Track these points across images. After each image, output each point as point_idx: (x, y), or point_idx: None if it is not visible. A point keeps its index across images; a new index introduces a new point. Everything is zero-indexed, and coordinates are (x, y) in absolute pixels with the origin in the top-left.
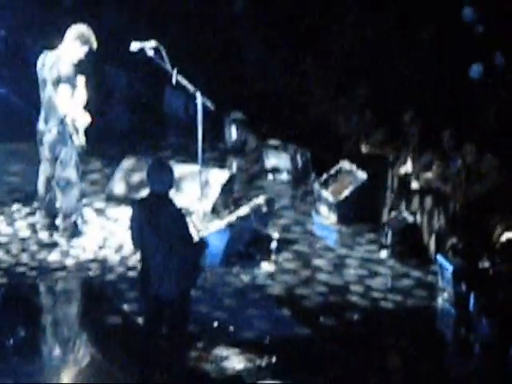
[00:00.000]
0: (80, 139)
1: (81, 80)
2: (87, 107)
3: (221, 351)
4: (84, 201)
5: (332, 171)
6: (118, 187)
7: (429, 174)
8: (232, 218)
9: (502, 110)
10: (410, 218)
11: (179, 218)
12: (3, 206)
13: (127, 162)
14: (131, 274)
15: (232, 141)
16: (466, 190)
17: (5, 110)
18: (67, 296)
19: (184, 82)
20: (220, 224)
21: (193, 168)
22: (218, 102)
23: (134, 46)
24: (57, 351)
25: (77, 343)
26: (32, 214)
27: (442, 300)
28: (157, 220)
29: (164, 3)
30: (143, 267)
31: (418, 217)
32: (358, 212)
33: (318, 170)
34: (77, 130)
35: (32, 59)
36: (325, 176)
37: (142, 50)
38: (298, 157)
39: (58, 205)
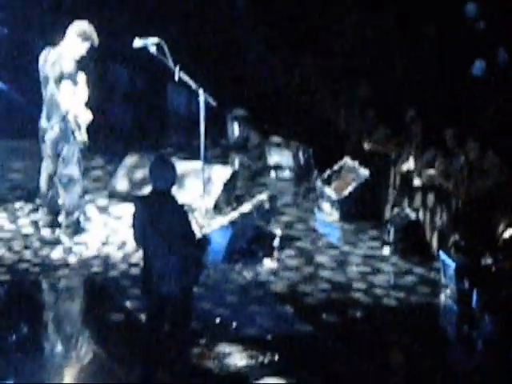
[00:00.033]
0: (82, 136)
1: (82, 77)
2: (89, 104)
3: (223, 348)
4: (86, 198)
5: (335, 168)
6: (121, 184)
7: (431, 171)
8: (234, 214)
9: (504, 106)
10: (413, 215)
11: (182, 214)
12: (6, 203)
13: (130, 159)
14: (134, 270)
15: (234, 138)
16: (469, 186)
17: (7, 108)
18: (70, 293)
19: (186, 78)
20: (222, 221)
21: (195, 165)
22: (221, 99)
23: (137, 42)
24: (59, 348)
25: (79, 340)
26: (35, 210)
27: (445, 297)
28: (159, 217)
29: (165, 1)
30: (146, 264)
31: (421, 214)
32: (361, 209)
33: (320, 167)
34: (79, 127)
35: (34, 56)
36: (327, 173)
37: (144, 47)
38: (301, 154)
39: (60, 202)
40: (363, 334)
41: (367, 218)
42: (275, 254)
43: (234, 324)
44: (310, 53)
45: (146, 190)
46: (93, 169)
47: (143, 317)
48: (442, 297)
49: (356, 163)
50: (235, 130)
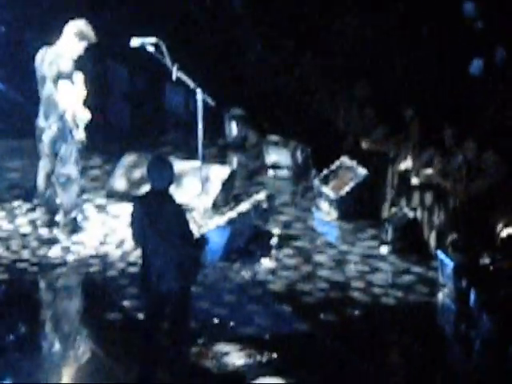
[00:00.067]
0: (80, 135)
1: (79, 76)
2: (87, 103)
3: (221, 347)
4: (84, 197)
5: (332, 167)
6: (119, 183)
7: (429, 171)
8: (232, 214)
9: (502, 105)
10: (411, 214)
11: (180, 214)
12: (4, 202)
13: (128, 158)
14: (132, 270)
15: (232, 137)
16: (467, 186)
17: (4, 107)
18: (68, 292)
19: (184, 77)
20: (220, 220)
21: (193, 164)
22: (219, 98)
23: (135, 41)
24: (57, 347)
25: (77, 339)
26: (32, 210)
27: (443, 296)
28: (157, 216)
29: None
30: (144, 263)
31: (419, 213)
32: (359, 208)
33: (318, 166)
34: (77, 126)
35: (32, 55)
36: (325, 172)
37: (142, 46)
38: (299, 153)
39: (58, 201)
40: (361, 333)
41: (365, 217)
42: (273, 253)
43: (232, 323)
44: (309, 52)
45: (144, 189)
46: (90, 168)
47: (141, 316)
48: (440, 296)
49: (354, 162)
50: (233, 129)
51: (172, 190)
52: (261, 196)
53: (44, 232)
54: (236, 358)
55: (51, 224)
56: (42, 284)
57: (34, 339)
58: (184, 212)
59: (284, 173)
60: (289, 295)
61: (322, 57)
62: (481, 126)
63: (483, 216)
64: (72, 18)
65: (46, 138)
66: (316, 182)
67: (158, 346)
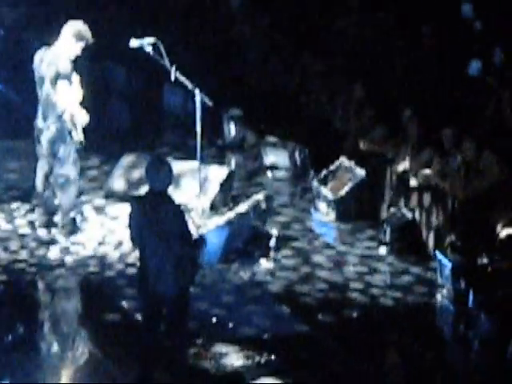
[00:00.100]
0: (79, 135)
1: (76, 77)
2: (85, 104)
3: (220, 348)
4: (83, 198)
5: (331, 168)
6: (118, 184)
7: (428, 171)
8: (231, 215)
9: (500, 106)
10: (409, 215)
11: (178, 215)
12: (2, 203)
13: (127, 159)
14: (130, 270)
15: (230, 137)
16: (465, 187)
17: (2, 107)
18: (66, 293)
19: (183, 78)
20: (219, 221)
21: (191, 165)
22: (217, 99)
23: (133, 42)
24: (55, 348)
25: (75, 340)
26: (31, 211)
27: (441, 297)
28: (156, 217)
29: (163, 0)
30: (142, 264)
31: (417, 213)
32: (357, 209)
33: (316, 167)
34: (75, 127)
35: (30, 56)
36: (324, 173)
37: (140, 47)
38: (297, 154)
39: (56, 202)
40: (360, 334)
41: (364, 218)
42: (272, 254)
43: (231, 324)
44: (308, 53)
45: (143, 189)
46: (89, 169)
47: (139, 317)
48: (439, 297)
49: (352, 163)
50: (231, 129)
51: (170, 190)
52: (259, 197)
53: (42, 233)
54: (235, 358)
55: (49, 225)
56: (41, 285)
57: (33, 340)
58: (182, 213)
59: (282, 174)
60: (287, 296)
61: (321, 57)
62: (479, 127)
63: (482, 217)
64: (70, 19)
65: (45, 138)
66: (314, 182)
67: (156, 346)
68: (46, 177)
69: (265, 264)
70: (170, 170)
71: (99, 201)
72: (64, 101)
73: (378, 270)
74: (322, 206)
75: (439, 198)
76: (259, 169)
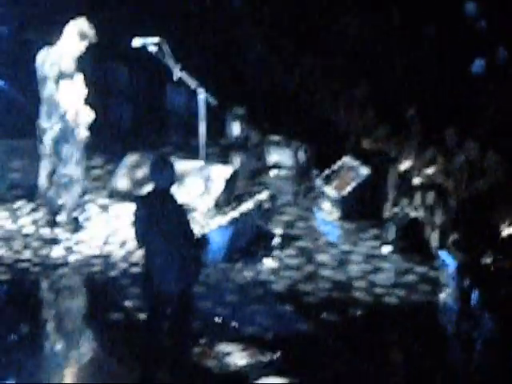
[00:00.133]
0: (83, 134)
1: (80, 76)
2: (89, 103)
3: (223, 347)
4: (87, 197)
5: (334, 167)
6: (122, 183)
7: (431, 170)
8: (235, 214)
9: (504, 105)
10: (413, 214)
11: (181, 214)
12: (6, 203)
13: (130, 158)
14: (134, 270)
15: (234, 137)
16: (468, 185)
17: (6, 107)
18: (70, 292)
19: (186, 77)
20: (222, 220)
21: (195, 164)
22: (220, 98)
23: (136, 41)
24: (59, 347)
25: (79, 339)
26: (35, 210)
27: (445, 295)
28: (159, 216)
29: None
30: (146, 263)
31: (421, 212)
32: (361, 208)
33: (320, 166)
34: (80, 126)
35: (33, 55)
36: (327, 172)
37: (143, 46)
38: (301, 153)
39: (60, 201)
40: (364, 333)
41: (367, 217)
42: (275, 253)
43: (235, 323)
44: (311, 52)
45: (147, 189)
46: (92, 168)
47: (143, 316)
48: (442, 295)
49: (356, 162)
50: (235, 129)
51: (174, 189)
52: (263, 196)
53: (46, 232)
54: (238, 357)
55: (53, 224)
56: (44, 284)
57: (36, 339)
58: (186, 212)
59: (286, 173)
60: (291, 295)
61: (324, 56)
62: (482, 126)
63: (485, 215)
64: (73, 18)
65: (48, 138)
66: (318, 181)
67: (160, 346)
68: (49, 176)
69: (268, 263)
70: (174, 170)
71: (103, 200)
72: (67, 100)
73: (382, 269)
74: (326, 204)
75: (443, 197)
76: (263, 168)
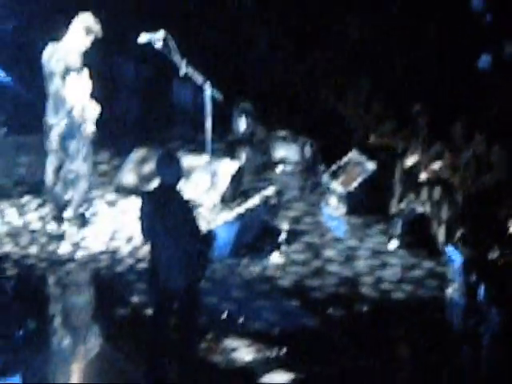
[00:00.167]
0: (90, 130)
1: (86, 71)
2: (96, 98)
3: (230, 342)
4: (93, 193)
5: (341, 162)
6: (129, 178)
7: (438, 165)
8: (241, 209)
9: (510, 100)
10: (419, 209)
11: (188, 209)
12: (12, 198)
13: (137, 153)
14: (141, 265)
15: (240, 132)
16: (475, 180)
17: (13, 103)
18: (77, 288)
19: (192, 72)
20: (229, 215)
21: (201, 159)
22: (227, 93)
23: (143, 37)
24: (66, 343)
25: (86, 335)
26: (41, 206)
27: (452, 291)
28: (166, 212)
29: None
30: (152, 259)
31: (427, 208)
32: (367, 203)
33: (326, 161)
34: (87, 121)
35: (39, 51)
36: (334, 167)
37: (150, 42)
38: (307, 148)
39: (66, 197)
40: (370, 329)
41: (374, 212)
42: (282, 248)
43: (241, 318)
44: (317, 47)
45: (154, 184)
46: (99, 163)
47: (149, 311)
48: (449, 291)
49: (362, 157)
50: (241, 124)
51: (180, 185)
52: (269, 191)
53: (53, 228)
54: (244, 353)
55: (59, 220)
56: (51, 280)
57: (43, 335)
58: (192, 207)
59: (292, 168)
60: (297, 291)
61: (329, 51)
62: (489, 121)
63: (491, 211)
64: (78, 13)
65: (55, 134)
66: (324, 177)
67: (166, 341)
68: (56, 172)
69: (275, 258)
70: (180, 165)
71: (110, 195)
72: (74, 96)
73: (389, 265)
74: (333, 200)
75: (449, 192)
76: (269, 163)
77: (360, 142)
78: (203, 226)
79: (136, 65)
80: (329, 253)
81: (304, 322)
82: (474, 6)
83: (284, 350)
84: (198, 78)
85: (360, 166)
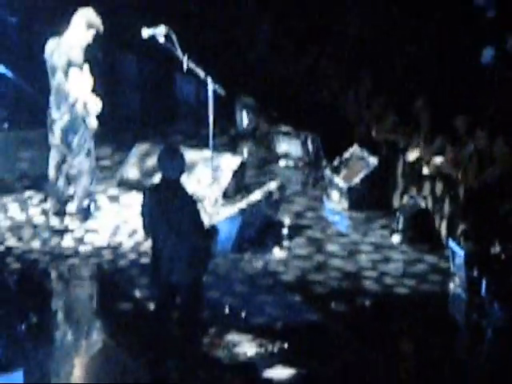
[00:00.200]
0: (93, 123)
1: (86, 65)
2: (98, 93)
3: (232, 337)
4: (96, 187)
5: (343, 157)
6: (131, 172)
7: (440, 160)
8: (243, 204)
9: None
10: (422, 204)
11: (190, 204)
12: (15, 193)
13: (140, 148)
14: (143, 260)
15: (243, 126)
16: (478, 175)
17: (15, 98)
18: (79, 282)
19: (195, 67)
20: (231, 210)
21: (204, 154)
22: (229, 88)
23: (145, 32)
24: (68, 337)
25: (88, 329)
26: (44, 200)
27: (454, 285)
28: (168, 206)
29: None
30: (154, 253)
31: (429, 202)
32: (370, 198)
33: (329, 156)
34: (89, 115)
35: (42, 46)
36: (336, 162)
37: (152, 37)
38: (310, 142)
39: (69, 191)
40: (373, 323)
41: (376, 207)
42: (284, 243)
43: (244, 313)
44: (321, 38)
45: (156, 178)
46: (101, 158)
47: (152, 306)
48: (452, 285)
49: (365, 152)
50: (244, 118)
51: (183, 179)
52: (272, 186)
53: (56, 222)
54: (247, 347)
55: (62, 214)
56: (54, 274)
57: (46, 329)
58: (195, 202)
59: (295, 163)
60: (300, 285)
61: (333, 42)
62: (491, 115)
63: (494, 205)
64: (79, 7)
65: (58, 128)
66: (327, 171)
67: (169, 335)
68: (59, 166)
69: (277, 253)
70: (183, 159)
71: (112, 190)
72: (76, 90)
73: (392, 259)
74: (335, 194)
75: (452, 187)
76: (272, 158)
77: (362, 137)
78: (205, 221)
79: (138, 60)
80: (331, 247)
81: (307, 316)
82: (476, 1)
83: (287, 344)
84: (201, 73)
85: (362, 160)
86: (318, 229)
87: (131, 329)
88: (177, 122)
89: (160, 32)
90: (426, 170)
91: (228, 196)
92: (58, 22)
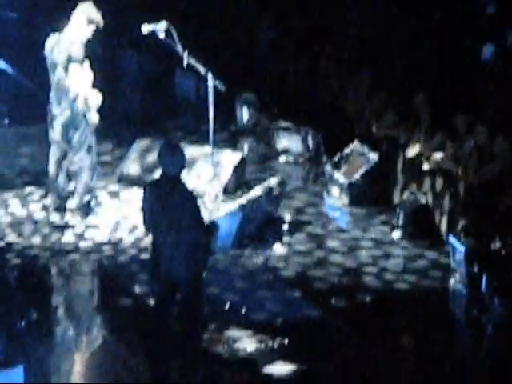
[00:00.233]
0: (93, 118)
1: (86, 61)
2: (98, 88)
3: (233, 333)
4: (97, 183)
5: (344, 153)
6: (131, 168)
7: (440, 156)
8: (244, 200)
9: None
10: (422, 200)
11: (191, 200)
12: (15, 189)
13: (140, 143)
14: (144, 256)
15: (243, 122)
16: (478, 171)
17: (15, 93)
18: (79, 278)
19: (195, 63)
20: (232, 206)
21: (204, 149)
22: (230, 84)
23: (145, 28)
24: (69, 333)
25: (89, 325)
26: (44, 196)
27: (455, 281)
28: (168, 202)
29: None
30: (155, 249)
31: (430, 198)
32: (370, 193)
33: (329, 152)
34: (90, 111)
35: (43, 42)
36: (337, 157)
37: (153, 32)
38: (310, 138)
39: (69, 187)
40: (373, 319)
41: (377, 203)
42: (285, 239)
43: (244, 309)
44: (320, 41)
45: (157, 174)
46: (101, 154)
47: (152, 302)
48: (452, 281)
49: (365, 148)
50: (244, 114)
51: (183, 175)
52: (272, 182)
53: (56, 218)
54: (247, 343)
55: (62, 210)
56: (54, 270)
57: (46, 325)
58: (195, 198)
59: (295, 158)
60: (300, 281)
61: (334, 39)
62: (491, 111)
63: (494, 201)
64: (80, 3)
65: (58, 124)
66: (327, 167)
67: (169, 331)
68: (59, 162)
69: (278, 249)
70: (183, 155)
71: (113, 186)
72: (77, 85)
73: (392, 255)
74: (335, 190)
75: (452, 183)
76: (272, 154)
77: (363, 133)
78: (206, 217)
79: (138, 55)
80: (332, 243)
81: (307, 312)
82: None
83: (287, 340)
84: (201, 69)
85: (363, 156)
86: (319, 225)
87: (131, 324)
88: (177, 117)
89: (160, 28)
90: (426, 166)
91: (228, 192)
92: (58, 18)
